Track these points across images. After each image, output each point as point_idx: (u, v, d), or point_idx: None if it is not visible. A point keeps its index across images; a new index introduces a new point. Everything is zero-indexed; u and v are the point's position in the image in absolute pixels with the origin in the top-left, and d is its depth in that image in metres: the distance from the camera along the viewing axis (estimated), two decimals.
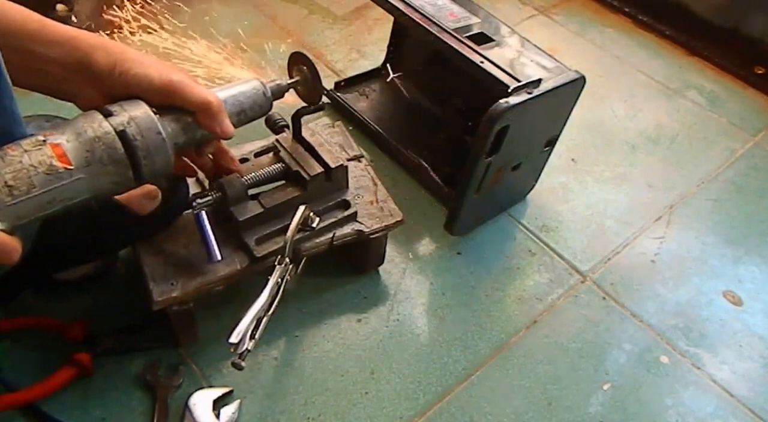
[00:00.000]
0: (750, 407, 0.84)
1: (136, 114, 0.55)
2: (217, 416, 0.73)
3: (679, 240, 1.05)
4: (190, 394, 0.74)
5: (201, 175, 0.76)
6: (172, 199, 0.70)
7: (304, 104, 0.76)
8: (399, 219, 0.83)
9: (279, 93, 0.70)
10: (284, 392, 0.78)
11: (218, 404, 0.74)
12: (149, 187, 0.65)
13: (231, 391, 0.76)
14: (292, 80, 0.73)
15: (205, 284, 0.72)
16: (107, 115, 0.54)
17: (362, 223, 0.82)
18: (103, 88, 0.57)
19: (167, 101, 0.58)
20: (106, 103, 0.56)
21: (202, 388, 0.76)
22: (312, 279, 0.87)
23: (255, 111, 0.67)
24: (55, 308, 0.81)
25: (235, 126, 0.63)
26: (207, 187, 0.77)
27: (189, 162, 0.70)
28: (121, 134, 0.53)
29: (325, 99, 1.16)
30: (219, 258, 0.72)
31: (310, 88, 0.74)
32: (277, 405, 0.77)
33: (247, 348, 0.66)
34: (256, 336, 0.67)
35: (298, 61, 0.73)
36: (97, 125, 0.53)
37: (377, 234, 0.82)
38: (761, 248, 1.05)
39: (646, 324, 0.92)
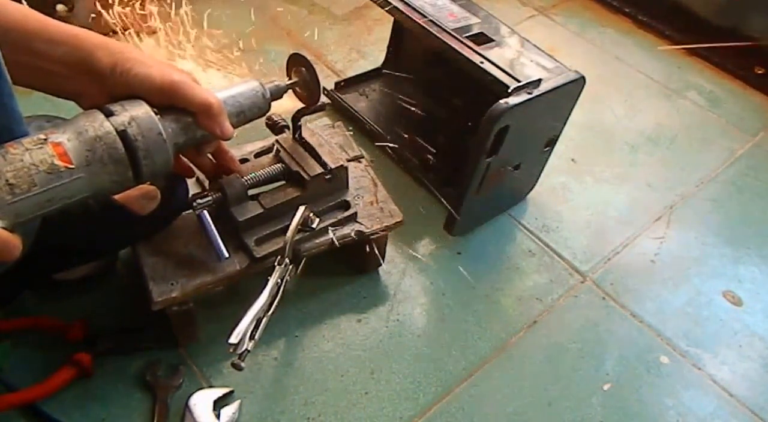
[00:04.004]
0: (750, 407, 0.84)
1: (137, 114, 0.55)
2: (218, 416, 0.73)
3: (679, 240, 1.05)
4: (191, 394, 0.74)
5: (201, 175, 0.76)
6: (171, 199, 0.70)
7: (302, 106, 0.76)
8: (399, 219, 0.83)
9: (278, 94, 0.70)
10: (284, 392, 0.78)
11: (218, 404, 0.74)
12: (148, 188, 0.65)
13: (231, 391, 0.76)
14: (291, 81, 0.73)
15: (204, 284, 0.72)
16: (108, 114, 0.54)
17: (362, 224, 0.82)
18: (104, 87, 0.57)
19: (168, 101, 0.58)
20: (107, 102, 0.56)
21: (202, 388, 0.76)
22: (312, 279, 0.87)
23: (254, 112, 0.67)
24: (55, 308, 0.81)
25: (234, 126, 0.63)
26: (207, 187, 0.77)
27: (188, 162, 0.70)
28: (122, 134, 0.53)
29: (325, 99, 1.16)
30: (227, 256, 0.72)
31: (308, 90, 0.74)
32: (277, 405, 0.77)
33: (246, 349, 0.66)
34: (256, 337, 0.67)
35: (297, 63, 0.73)
36: (99, 125, 0.53)
37: (377, 235, 0.82)
38: (761, 248, 1.05)
39: (646, 325, 0.92)
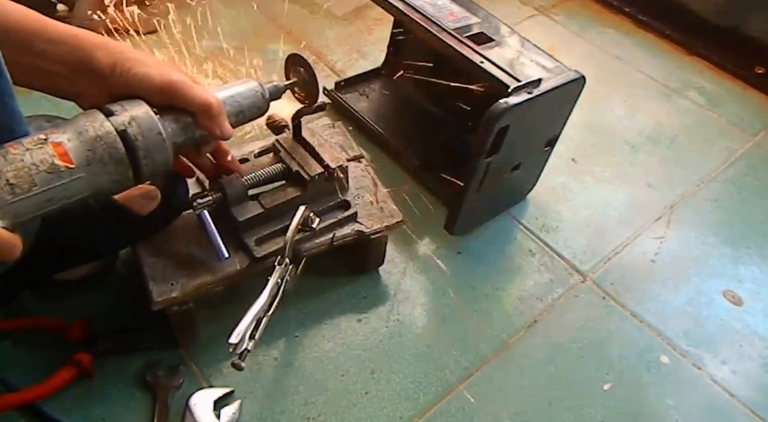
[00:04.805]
0: (750, 407, 0.84)
1: (137, 114, 0.55)
2: (218, 416, 0.73)
3: (679, 240, 1.05)
4: (191, 394, 0.74)
5: (201, 175, 0.76)
6: (171, 199, 0.70)
7: (303, 105, 0.76)
8: (399, 219, 0.83)
9: (277, 94, 0.70)
10: (284, 392, 0.78)
11: (219, 404, 0.74)
12: (148, 187, 0.65)
13: (232, 391, 0.76)
14: (290, 81, 0.73)
15: (204, 284, 0.72)
16: (108, 114, 0.54)
17: (362, 224, 0.82)
18: (104, 87, 0.57)
19: (168, 101, 0.58)
20: (107, 102, 0.56)
21: (202, 388, 0.76)
22: (312, 279, 0.87)
23: (253, 112, 0.67)
24: (55, 308, 0.81)
25: (233, 126, 0.64)
26: (207, 187, 0.77)
27: (188, 162, 0.70)
28: (123, 134, 0.54)
29: (325, 99, 1.16)
30: (227, 256, 0.72)
31: (307, 90, 0.74)
32: (277, 405, 0.77)
33: (246, 349, 0.66)
34: (256, 337, 0.67)
35: (295, 63, 0.73)
36: (99, 124, 0.53)
37: (377, 235, 0.82)
38: (761, 248, 1.05)
39: (646, 324, 0.92)
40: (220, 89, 0.65)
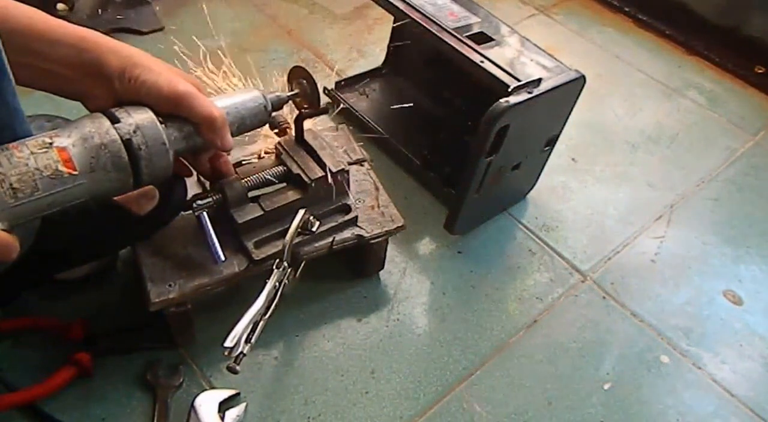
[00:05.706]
0: (750, 407, 0.84)
1: (143, 122, 0.55)
2: (222, 418, 0.73)
3: (679, 240, 1.05)
4: (197, 395, 0.74)
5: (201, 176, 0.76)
6: (169, 198, 0.70)
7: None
8: (400, 224, 0.83)
9: (278, 105, 0.71)
10: (285, 391, 0.78)
11: (224, 406, 0.74)
12: (147, 187, 0.65)
13: (237, 393, 0.76)
14: (292, 93, 0.74)
15: (202, 286, 0.72)
16: (114, 121, 0.54)
17: (362, 228, 0.81)
18: (111, 90, 0.57)
19: (173, 110, 0.58)
20: (113, 104, 0.57)
21: (210, 389, 0.76)
22: (313, 279, 0.87)
23: (254, 122, 0.68)
24: (55, 308, 0.81)
25: (233, 135, 0.64)
26: (207, 188, 0.77)
27: (185, 163, 0.70)
28: (127, 143, 0.54)
29: (326, 99, 1.16)
30: (223, 259, 0.72)
31: (309, 101, 0.75)
32: (277, 405, 0.77)
33: (242, 352, 0.65)
34: (252, 340, 0.67)
35: (298, 75, 0.74)
36: (104, 132, 0.53)
37: (377, 240, 0.82)
38: (761, 248, 1.05)
39: (647, 324, 0.92)
40: (222, 97, 0.65)
